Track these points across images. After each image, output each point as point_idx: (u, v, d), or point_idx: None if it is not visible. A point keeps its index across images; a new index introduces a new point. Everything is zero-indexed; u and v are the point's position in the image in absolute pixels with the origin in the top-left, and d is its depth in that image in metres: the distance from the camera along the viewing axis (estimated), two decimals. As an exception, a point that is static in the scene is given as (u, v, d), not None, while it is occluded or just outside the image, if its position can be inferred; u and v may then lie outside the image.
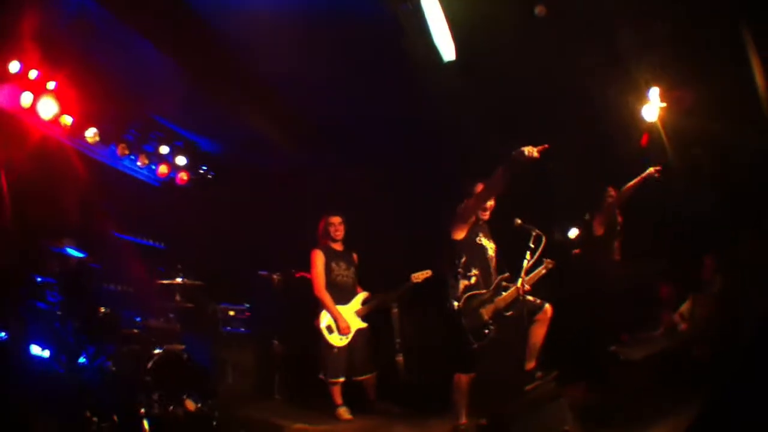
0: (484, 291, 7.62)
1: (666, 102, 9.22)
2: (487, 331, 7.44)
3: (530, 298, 7.57)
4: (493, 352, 7.54)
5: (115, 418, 6.87)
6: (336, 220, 9.84)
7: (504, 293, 7.63)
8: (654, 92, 9.27)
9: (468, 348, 7.43)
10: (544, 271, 7.97)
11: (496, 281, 7.70)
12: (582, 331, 9.24)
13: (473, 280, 7.61)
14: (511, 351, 9.42)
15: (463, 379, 7.70)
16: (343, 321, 9.37)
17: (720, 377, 5.44)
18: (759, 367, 4.54)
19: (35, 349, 7.53)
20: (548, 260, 7.97)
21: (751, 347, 5.00)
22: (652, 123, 9.48)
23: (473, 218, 7.78)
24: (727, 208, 8.89)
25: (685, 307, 9.03)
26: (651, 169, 9.28)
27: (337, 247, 9.92)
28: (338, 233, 9.85)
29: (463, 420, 7.75)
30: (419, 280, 9.92)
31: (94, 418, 6.72)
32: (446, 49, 8.67)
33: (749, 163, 8.62)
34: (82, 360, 7.62)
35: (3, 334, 7.20)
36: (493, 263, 7.84)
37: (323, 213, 9.97)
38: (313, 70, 9.49)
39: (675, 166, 9.42)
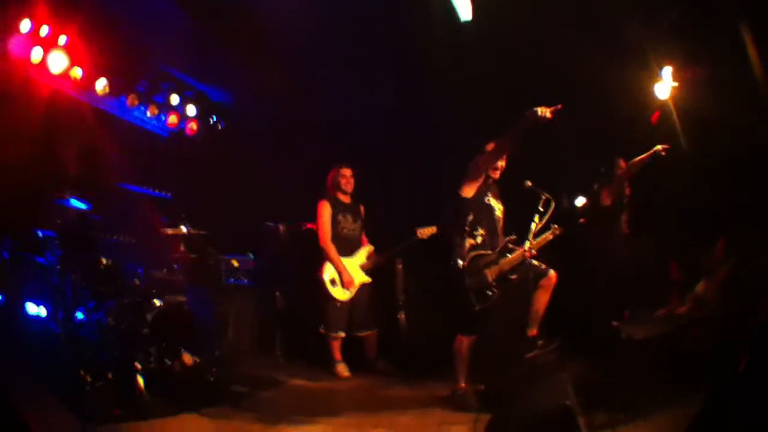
0: (489, 252, 7.59)
1: (678, 81, 9.13)
2: (490, 293, 7.42)
3: (535, 262, 7.56)
4: (495, 315, 7.55)
5: (110, 375, 6.94)
6: (347, 172, 9.80)
7: (509, 255, 7.55)
8: (667, 71, 9.18)
9: (470, 309, 7.45)
10: (551, 237, 7.85)
11: (503, 243, 7.64)
12: (584, 303, 9.24)
13: (479, 239, 7.60)
14: (513, 315, 9.52)
15: (464, 341, 7.75)
16: (347, 274, 9.39)
17: (722, 369, 5.43)
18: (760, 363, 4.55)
19: (31, 308, 7.59)
20: (556, 226, 7.85)
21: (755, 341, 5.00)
22: (664, 101, 9.38)
23: (483, 177, 7.75)
24: (737, 193, 8.79)
25: (698, 290, 8.90)
26: (659, 147, 9.18)
27: (345, 199, 9.90)
28: (349, 185, 9.84)
29: (462, 384, 7.80)
30: (425, 236, 9.90)
31: (88, 377, 6.79)
32: (463, 8, 8.58)
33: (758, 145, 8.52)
34: (80, 316, 7.68)
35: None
36: (500, 224, 7.83)
37: (334, 164, 9.94)
38: (323, 19, 9.41)
39: (685, 146, 9.32)
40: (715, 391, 5.14)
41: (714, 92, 8.69)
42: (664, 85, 9.26)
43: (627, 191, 9.63)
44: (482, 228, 7.63)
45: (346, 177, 9.77)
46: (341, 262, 9.44)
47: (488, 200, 7.76)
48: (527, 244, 7.31)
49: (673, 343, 7.62)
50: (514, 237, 7.64)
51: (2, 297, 7.45)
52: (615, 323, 8.68)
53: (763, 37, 7.98)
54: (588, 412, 5.89)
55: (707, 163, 9.10)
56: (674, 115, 9.31)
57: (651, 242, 9.40)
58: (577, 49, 9.30)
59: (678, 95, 9.21)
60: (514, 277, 7.55)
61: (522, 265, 7.47)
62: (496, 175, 7.84)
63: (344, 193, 9.84)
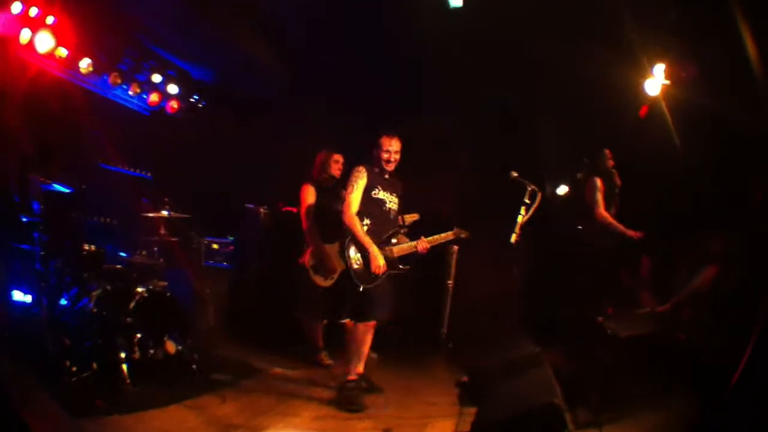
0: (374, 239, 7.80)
1: (670, 80, 9.11)
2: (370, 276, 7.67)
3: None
4: (381, 300, 7.77)
5: (95, 366, 6.87)
6: (340, 157, 9.67)
7: (392, 245, 7.96)
8: (659, 68, 9.16)
9: (356, 292, 7.69)
10: (451, 236, 8.29)
11: (389, 233, 7.99)
12: (565, 297, 9.25)
13: (365, 228, 7.81)
14: (488, 304, 9.54)
15: (357, 327, 7.90)
16: (330, 261, 9.26)
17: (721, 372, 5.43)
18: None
19: (17, 295, 7.51)
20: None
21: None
22: (653, 97, 9.37)
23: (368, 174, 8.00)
24: (727, 190, 8.79)
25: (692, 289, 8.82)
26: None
27: (329, 184, 9.69)
28: (338, 172, 9.63)
29: (353, 376, 7.91)
30: (408, 222, 9.85)
31: (74, 368, 6.72)
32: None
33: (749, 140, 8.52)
34: (63, 302, 7.60)
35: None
36: (392, 214, 8.13)
37: (323, 148, 9.77)
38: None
39: (675, 143, 9.31)
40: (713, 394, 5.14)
41: (705, 90, 8.69)
42: (655, 82, 9.23)
43: (617, 182, 9.50)
44: (368, 218, 7.88)
45: (339, 163, 9.61)
46: (324, 248, 9.28)
47: (376, 193, 7.97)
48: (423, 240, 8.01)
49: (661, 342, 7.61)
50: (405, 229, 8.35)
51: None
52: (600, 319, 8.56)
53: (759, 34, 7.96)
54: (570, 408, 5.85)
55: (695, 160, 9.11)
56: (665, 112, 9.27)
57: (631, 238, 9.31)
58: (568, 41, 9.27)
59: (668, 92, 9.19)
60: (405, 267, 7.99)
61: (414, 256, 8.03)
62: (390, 167, 8.05)
63: (331, 177, 9.65)
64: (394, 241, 8.00)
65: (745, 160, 8.49)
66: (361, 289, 7.63)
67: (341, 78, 11.28)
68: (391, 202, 8.09)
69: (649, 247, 9.16)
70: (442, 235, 8.10)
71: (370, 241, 7.69)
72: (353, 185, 7.84)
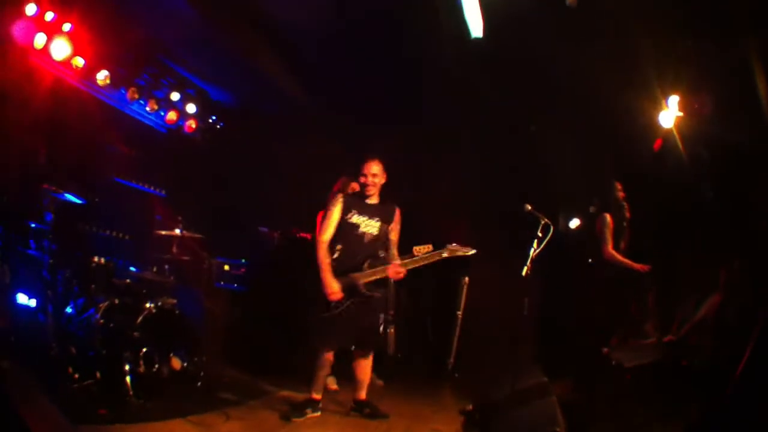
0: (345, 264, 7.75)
1: (684, 112, 9.06)
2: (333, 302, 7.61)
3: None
4: (343, 328, 7.68)
5: (98, 375, 6.80)
6: (356, 185, 9.62)
7: (367, 270, 7.76)
8: (673, 100, 9.10)
9: (321, 316, 7.69)
10: (444, 255, 7.95)
11: (359, 259, 7.82)
12: (573, 328, 9.19)
13: (336, 254, 7.76)
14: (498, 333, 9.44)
15: (321, 353, 7.87)
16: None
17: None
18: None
19: (21, 298, 7.45)
20: (458, 246, 8.02)
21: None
22: (668, 129, 9.30)
23: (339, 202, 7.96)
24: (737, 216, 8.72)
25: (698, 317, 8.80)
26: None
27: None
28: None
29: (314, 395, 7.95)
30: (420, 254, 9.77)
31: (76, 375, 6.65)
32: (475, 25, 8.49)
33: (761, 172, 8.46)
34: (68, 310, 7.54)
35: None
36: (366, 239, 7.91)
37: (342, 175, 9.71)
38: (330, 22, 9.29)
39: (688, 172, 9.25)
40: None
41: (718, 122, 8.65)
42: (669, 114, 9.18)
43: (627, 215, 9.41)
44: (340, 244, 7.81)
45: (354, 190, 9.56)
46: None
47: (350, 217, 7.87)
48: (396, 263, 7.81)
49: (663, 371, 7.64)
50: (380, 256, 7.94)
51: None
52: (605, 350, 8.60)
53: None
54: None
55: (709, 194, 9.06)
56: (678, 144, 9.21)
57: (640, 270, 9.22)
58: (586, 72, 9.23)
59: (682, 124, 9.13)
60: (376, 294, 7.85)
61: (385, 284, 7.97)
62: (368, 191, 7.98)
63: None
64: (365, 266, 7.80)
65: (756, 191, 8.42)
66: (325, 315, 7.63)
67: (361, 102, 11.24)
68: (368, 226, 7.94)
69: (656, 278, 9.09)
70: (424, 253, 7.85)
71: (326, 267, 7.66)
72: (328, 211, 7.90)
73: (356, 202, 7.94)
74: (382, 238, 7.98)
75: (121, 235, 8.96)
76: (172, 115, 11.49)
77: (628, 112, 9.65)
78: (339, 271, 7.67)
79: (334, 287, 7.51)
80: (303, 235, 10.42)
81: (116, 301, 7.65)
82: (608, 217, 9.21)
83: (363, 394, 8.06)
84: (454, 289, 10.79)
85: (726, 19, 8.03)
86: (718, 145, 8.85)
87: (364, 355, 8.00)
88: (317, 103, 11.60)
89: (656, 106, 9.30)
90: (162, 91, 11.08)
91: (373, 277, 7.74)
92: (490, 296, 10.49)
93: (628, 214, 9.32)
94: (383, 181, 7.99)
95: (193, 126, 12.01)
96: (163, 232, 9.23)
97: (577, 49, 8.93)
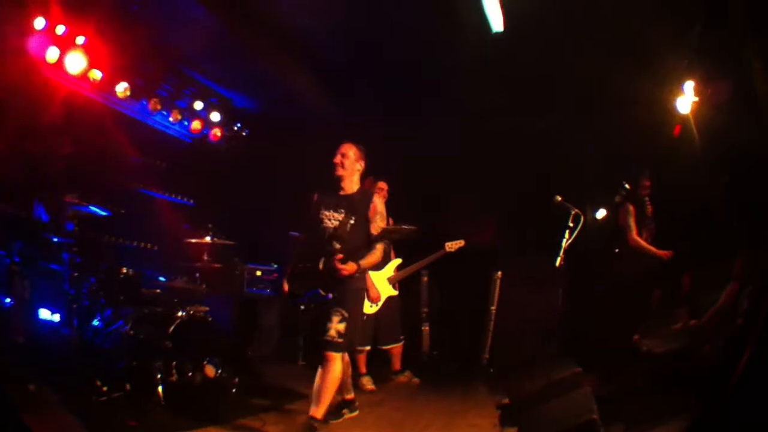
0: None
1: (699, 97, 8.97)
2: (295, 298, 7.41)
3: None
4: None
5: (128, 386, 6.77)
6: (383, 185, 9.59)
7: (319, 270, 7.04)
8: (689, 85, 9.02)
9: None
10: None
11: (317, 256, 7.07)
12: (601, 319, 9.16)
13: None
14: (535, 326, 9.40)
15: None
16: (374, 289, 9.10)
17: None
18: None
19: (44, 313, 7.43)
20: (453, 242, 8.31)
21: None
22: (685, 115, 9.22)
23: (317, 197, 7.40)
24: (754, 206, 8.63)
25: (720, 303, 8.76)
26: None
27: None
28: (384, 199, 9.37)
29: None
30: (453, 250, 9.81)
31: (104, 388, 6.62)
32: (496, 19, 8.42)
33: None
34: (95, 323, 7.53)
35: (8, 300, 7.09)
36: (326, 233, 7.08)
37: (368, 176, 9.68)
38: (353, 25, 9.25)
39: (704, 160, 9.16)
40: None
41: (735, 108, 8.54)
42: (686, 100, 9.09)
43: (649, 209, 9.38)
44: (310, 242, 7.28)
45: (384, 190, 9.52)
46: (369, 276, 9.13)
47: (319, 213, 7.19)
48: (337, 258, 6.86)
49: (689, 356, 7.58)
50: (338, 255, 6.87)
51: (11, 300, 7.26)
52: (636, 337, 8.58)
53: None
54: (606, 425, 5.79)
55: (725, 177, 8.96)
56: (694, 130, 9.13)
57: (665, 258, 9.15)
58: (604, 63, 9.15)
59: (698, 110, 9.04)
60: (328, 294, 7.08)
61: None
62: (338, 172, 7.22)
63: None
64: (320, 264, 7.06)
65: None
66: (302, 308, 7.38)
67: (386, 105, 11.21)
68: (329, 219, 7.19)
69: (684, 266, 9.01)
70: (455, 249, 7.57)
71: (286, 265, 7.42)
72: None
73: (326, 197, 7.31)
74: (342, 231, 7.04)
75: (148, 245, 8.95)
76: (196, 125, 11.49)
77: (646, 99, 9.59)
78: (300, 272, 7.25)
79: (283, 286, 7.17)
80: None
81: (146, 311, 7.62)
82: (630, 206, 9.27)
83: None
84: (486, 285, 10.70)
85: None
86: (732, 133, 8.76)
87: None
88: (340, 105, 11.56)
89: (673, 92, 9.25)
90: (184, 100, 11.06)
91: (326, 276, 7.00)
92: (523, 290, 10.41)
93: (649, 209, 9.31)
94: (358, 168, 7.29)
95: (218, 134, 12.00)
96: (194, 240, 9.22)
97: (593, 39, 8.88)
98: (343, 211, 7.10)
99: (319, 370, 7.02)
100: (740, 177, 8.56)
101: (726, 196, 8.87)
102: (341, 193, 7.25)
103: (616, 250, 9.52)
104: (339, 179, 7.22)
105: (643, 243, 9.14)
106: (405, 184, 10.24)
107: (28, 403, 4.86)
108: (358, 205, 7.14)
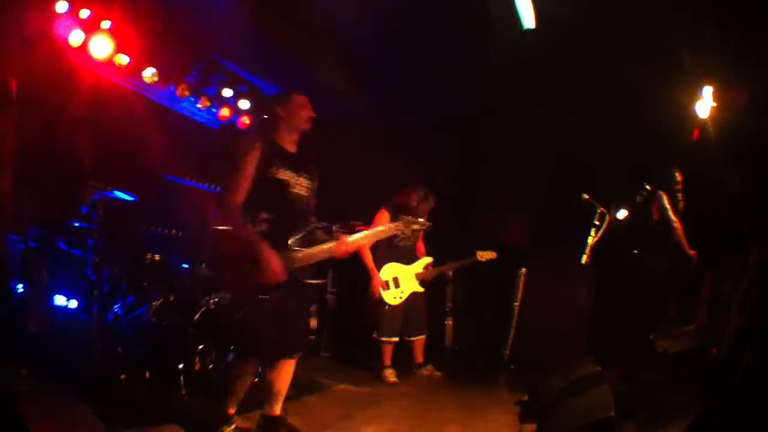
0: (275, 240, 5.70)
1: (717, 102, 8.92)
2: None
3: None
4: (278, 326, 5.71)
5: (147, 374, 6.74)
6: (415, 197, 9.61)
7: (304, 250, 5.81)
8: (707, 90, 8.98)
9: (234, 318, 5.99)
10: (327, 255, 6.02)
11: (289, 232, 5.80)
12: (621, 316, 9.25)
13: (263, 227, 5.72)
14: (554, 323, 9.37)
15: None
16: (399, 280, 9.47)
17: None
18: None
19: (60, 300, 7.40)
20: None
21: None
22: (704, 120, 9.22)
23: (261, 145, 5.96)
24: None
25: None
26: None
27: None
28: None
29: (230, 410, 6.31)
30: (484, 260, 9.92)
31: (123, 375, 6.59)
32: (527, 16, 8.37)
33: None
34: (116, 309, 7.51)
35: (21, 286, 7.07)
36: (301, 204, 6.01)
37: (410, 186, 9.78)
38: (384, 21, 9.18)
39: (721, 162, 9.12)
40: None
41: (753, 111, 8.50)
42: (705, 104, 9.07)
43: (681, 204, 9.27)
44: (266, 211, 5.74)
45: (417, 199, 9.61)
46: (374, 268, 9.41)
47: (275, 172, 5.84)
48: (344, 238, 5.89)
49: (700, 356, 7.66)
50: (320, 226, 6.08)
51: (25, 287, 7.22)
52: (652, 337, 8.63)
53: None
54: (619, 423, 5.86)
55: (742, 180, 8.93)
56: (711, 134, 9.10)
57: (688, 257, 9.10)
58: (628, 66, 9.10)
59: (717, 114, 9.03)
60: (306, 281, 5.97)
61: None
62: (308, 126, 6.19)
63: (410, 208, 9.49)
64: (298, 243, 5.83)
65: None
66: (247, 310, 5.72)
67: (417, 100, 11.17)
68: (297, 185, 5.97)
69: (706, 265, 8.99)
70: (486, 259, 7.17)
71: (255, 236, 5.58)
72: (236, 161, 5.84)
73: (278, 151, 5.97)
74: (311, 202, 6.11)
75: (174, 232, 8.90)
76: (225, 112, 11.44)
77: (666, 103, 9.55)
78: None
79: (276, 265, 5.50)
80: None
81: (171, 298, 7.60)
82: (664, 195, 9.17)
83: (278, 409, 6.08)
84: (510, 281, 10.69)
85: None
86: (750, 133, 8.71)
87: (291, 360, 6.10)
88: (371, 99, 11.52)
89: (692, 97, 9.31)
90: (213, 88, 11.03)
91: (315, 259, 5.84)
92: (547, 287, 10.40)
93: (681, 204, 9.22)
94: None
95: (247, 122, 11.96)
96: (221, 228, 9.18)
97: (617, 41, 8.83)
98: (305, 176, 6.10)
99: (288, 367, 6.10)
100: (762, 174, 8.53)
101: (745, 193, 8.85)
102: (292, 151, 6.13)
103: (635, 252, 9.48)
104: (301, 134, 6.20)
105: (682, 235, 9.04)
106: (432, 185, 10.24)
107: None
108: (313, 171, 6.24)
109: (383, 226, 6.37)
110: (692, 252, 8.98)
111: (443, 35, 9.44)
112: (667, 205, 9.09)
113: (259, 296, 5.55)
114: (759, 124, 8.37)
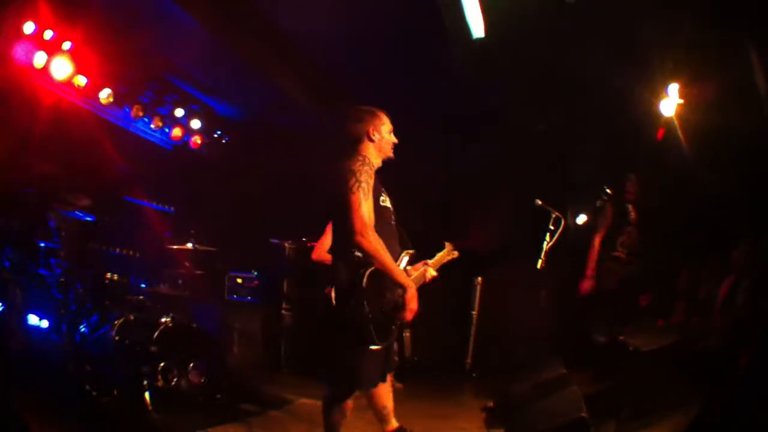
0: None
1: (684, 99, 9.06)
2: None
3: None
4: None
5: (116, 392, 6.77)
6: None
7: (414, 274, 5.84)
8: (673, 88, 9.11)
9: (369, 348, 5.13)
10: (453, 255, 6.56)
11: (397, 256, 5.50)
12: (589, 319, 9.35)
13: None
14: (519, 328, 9.43)
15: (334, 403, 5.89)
16: None
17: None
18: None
19: (33, 319, 7.42)
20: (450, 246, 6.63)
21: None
22: (669, 118, 9.31)
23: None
24: (744, 203, 8.73)
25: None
26: None
27: None
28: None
29: None
30: (450, 256, 9.89)
31: (94, 393, 6.62)
32: (477, 26, 8.49)
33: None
34: (82, 329, 7.53)
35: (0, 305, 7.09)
36: (396, 229, 5.68)
37: None
38: (336, 28, 9.25)
39: (690, 161, 9.26)
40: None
41: (719, 109, 8.64)
42: (670, 102, 9.19)
43: (633, 216, 9.39)
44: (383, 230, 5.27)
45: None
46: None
47: (384, 201, 5.55)
48: (427, 266, 6.05)
49: (682, 353, 7.62)
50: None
51: (3, 305, 7.25)
52: (622, 338, 8.63)
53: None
54: (596, 424, 5.85)
55: (713, 177, 9.06)
56: (678, 132, 9.22)
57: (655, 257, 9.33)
58: (587, 66, 9.23)
59: (683, 112, 9.12)
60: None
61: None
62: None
63: None
64: (406, 266, 5.63)
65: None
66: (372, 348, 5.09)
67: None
68: (391, 210, 5.65)
69: (682, 261, 9.12)
70: (441, 254, 6.78)
71: (395, 267, 5.19)
72: (360, 184, 5.08)
73: (377, 177, 5.40)
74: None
75: (131, 252, 8.94)
76: (177, 132, 11.47)
77: (629, 102, 9.69)
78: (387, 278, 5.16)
79: (415, 297, 5.21)
80: (313, 244, 10.45)
81: (131, 317, 7.59)
82: (609, 210, 9.34)
83: (394, 421, 6.05)
84: (467, 290, 10.78)
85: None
86: (720, 131, 8.84)
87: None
88: (321, 111, 11.59)
89: (657, 94, 9.33)
90: (166, 107, 11.05)
91: (421, 282, 5.85)
92: (504, 294, 10.52)
93: (633, 215, 9.36)
94: None
95: (199, 141, 11.98)
96: (176, 247, 9.22)
97: (577, 41, 8.94)
98: (387, 194, 5.66)
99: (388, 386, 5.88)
100: (738, 171, 8.66)
101: (721, 191, 8.97)
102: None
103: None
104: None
105: (595, 249, 9.21)
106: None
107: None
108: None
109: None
110: (590, 272, 9.11)
111: (398, 44, 9.54)
112: (600, 222, 9.34)
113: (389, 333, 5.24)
114: (725, 122, 8.51)
